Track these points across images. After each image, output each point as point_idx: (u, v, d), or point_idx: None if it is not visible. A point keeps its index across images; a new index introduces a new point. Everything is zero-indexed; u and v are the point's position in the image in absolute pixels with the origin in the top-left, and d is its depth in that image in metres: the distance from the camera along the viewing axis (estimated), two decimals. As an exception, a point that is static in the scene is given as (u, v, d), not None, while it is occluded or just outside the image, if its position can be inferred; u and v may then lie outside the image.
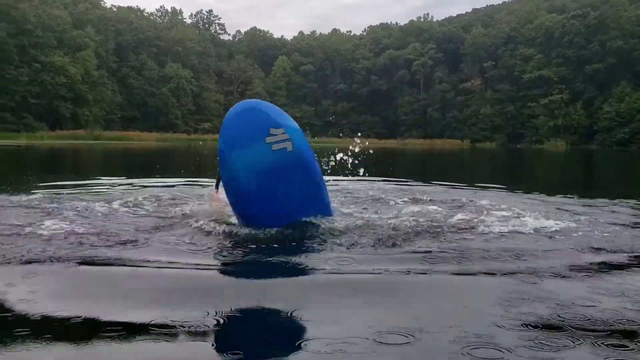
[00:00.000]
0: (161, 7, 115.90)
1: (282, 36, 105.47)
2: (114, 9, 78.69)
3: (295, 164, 3.74)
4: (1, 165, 13.80)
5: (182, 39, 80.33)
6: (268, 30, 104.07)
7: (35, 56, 56.33)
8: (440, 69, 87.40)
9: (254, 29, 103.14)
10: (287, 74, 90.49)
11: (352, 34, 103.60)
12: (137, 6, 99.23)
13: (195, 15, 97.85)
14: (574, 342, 1.89)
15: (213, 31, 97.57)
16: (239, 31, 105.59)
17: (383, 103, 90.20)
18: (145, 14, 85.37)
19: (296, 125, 3.89)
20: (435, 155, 31.55)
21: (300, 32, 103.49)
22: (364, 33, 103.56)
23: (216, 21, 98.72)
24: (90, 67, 61.61)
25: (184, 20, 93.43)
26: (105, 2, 77.23)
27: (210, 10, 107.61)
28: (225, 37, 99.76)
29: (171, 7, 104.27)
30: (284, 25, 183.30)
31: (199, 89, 79.36)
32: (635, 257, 3.22)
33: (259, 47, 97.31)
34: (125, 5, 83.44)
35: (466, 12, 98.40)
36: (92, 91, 62.50)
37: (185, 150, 31.22)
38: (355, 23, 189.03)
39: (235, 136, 3.71)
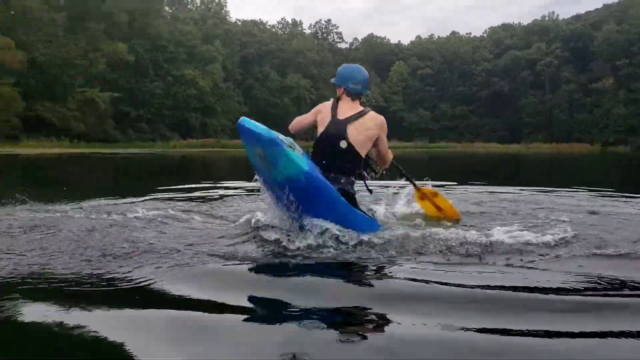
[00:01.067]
0: (282, 19, 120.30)
1: (399, 41, 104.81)
2: (239, 23, 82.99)
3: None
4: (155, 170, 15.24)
5: (302, 50, 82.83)
6: (385, 36, 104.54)
7: (168, 70, 60.91)
8: (567, 68, 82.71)
9: (370, 35, 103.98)
10: (404, 78, 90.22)
11: (471, 35, 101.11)
12: (259, 19, 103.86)
13: (314, 26, 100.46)
14: None
15: (331, 40, 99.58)
16: (356, 39, 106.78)
17: (504, 105, 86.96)
18: (268, 27, 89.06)
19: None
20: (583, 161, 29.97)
21: (418, 37, 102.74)
22: (484, 34, 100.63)
23: (334, 30, 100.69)
24: (217, 80, 65.44)
25: (304, 31, 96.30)
26: (230, 17, 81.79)
27: (329, 20, 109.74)
28: (342, 45, 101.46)
29: (291, 19, 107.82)
30: (401, 31, 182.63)
31: (318, 97, 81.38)
32: None
33: (376, 54, 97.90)
34: (249, 19, 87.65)
35: (596, 9, 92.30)
36: (220, 102, 66.39)
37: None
38: (475, 25, 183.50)
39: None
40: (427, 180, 5.45)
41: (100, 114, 50.76)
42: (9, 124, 42.96)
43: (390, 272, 3.03)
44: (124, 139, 52.69)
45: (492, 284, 2.75)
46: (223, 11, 79.75)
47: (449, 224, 4.49)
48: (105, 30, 53.50)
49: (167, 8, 70.66)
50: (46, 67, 48.30)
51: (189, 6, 79.33)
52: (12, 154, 30.46)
